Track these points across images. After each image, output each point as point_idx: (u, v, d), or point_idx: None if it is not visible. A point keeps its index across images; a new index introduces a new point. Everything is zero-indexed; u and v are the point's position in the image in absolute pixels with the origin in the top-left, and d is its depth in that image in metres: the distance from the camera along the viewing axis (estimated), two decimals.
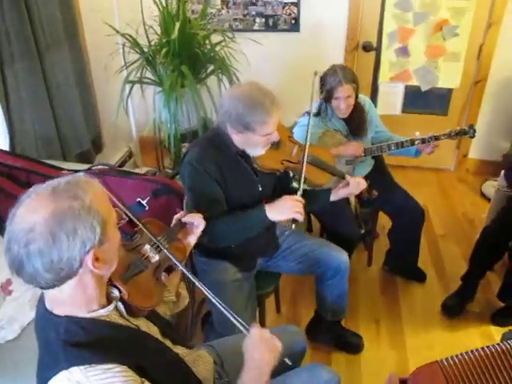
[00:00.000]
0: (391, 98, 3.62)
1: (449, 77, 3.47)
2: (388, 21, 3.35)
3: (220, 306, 1.36)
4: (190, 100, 2.97)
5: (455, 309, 2.61)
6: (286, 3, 3.40)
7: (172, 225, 1.60)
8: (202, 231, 1.63)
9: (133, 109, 3.39)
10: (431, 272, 2.88)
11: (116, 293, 1.19)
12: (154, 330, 1.31)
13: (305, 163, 1.96)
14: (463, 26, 3.30)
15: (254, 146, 1.82)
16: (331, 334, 2.39)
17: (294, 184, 2.20)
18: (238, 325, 1.33)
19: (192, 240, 1.61)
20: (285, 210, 1.82)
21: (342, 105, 2.38)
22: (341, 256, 2.14)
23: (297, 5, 3.40)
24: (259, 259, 2.13)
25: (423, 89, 3.55)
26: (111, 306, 1.14)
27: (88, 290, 1.07)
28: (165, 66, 2.93)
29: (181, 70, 2.87)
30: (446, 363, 1.26)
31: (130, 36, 2.95)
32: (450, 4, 3.25)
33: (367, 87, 3.64)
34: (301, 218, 1.81)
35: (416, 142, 2.50)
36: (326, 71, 2.42)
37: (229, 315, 1.34)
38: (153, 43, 3.00)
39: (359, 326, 2.54)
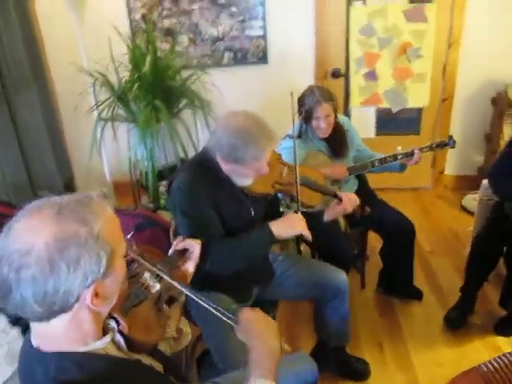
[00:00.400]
0: (364, 122, 3.67)
1: (417, 97, 3.57)
2: (354, 47, 3.45)
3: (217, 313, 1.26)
4: (165, 135, 2.91)
5: (457, 321, 2.54)
6: (253, 37, 3.44)
7: (170, 253, 1.53)
8: (202, 257, 1.54)
9: (105, 149, 3.29)
10: (426, 289, 2.81)
11: (113, 324, 1.05)
12: (157, 366, 1.17)
13: (298, 185, 1.91)
14: (425, 47, 3.42)
15: (243, 177, 1.76)
16: (336, 361, 2.26)
17: (282, 208, 2.15)
18: (227, 319, 1.25)
19: (190, 267, 1.53)
20: (293, 224, 1.76)
21: (322, 124, 2.37)
22: (339, 276, 2.05)
23: (264, 38, 3.45)
24: (255, 288, 2.02)
25: (394, 110, 3.62)
26: (107, 338, 1.00)
27: (83, 326, 0.93)
28: (138, 101, 2.88)
29: (154, 105, 2.82)
30: (485, 368, 1.18)
31: (100, 73, 2.90)
32: (410, 27, 3.37)
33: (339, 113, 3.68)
34: (309, 234, 1.76)
35: (399, 157, 2.50)
36: (303, 92, 2.42)
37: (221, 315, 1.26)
38: (123, 80, 2.96)
39: (363, 351, 2.42)
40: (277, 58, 3.53)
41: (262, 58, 3.51)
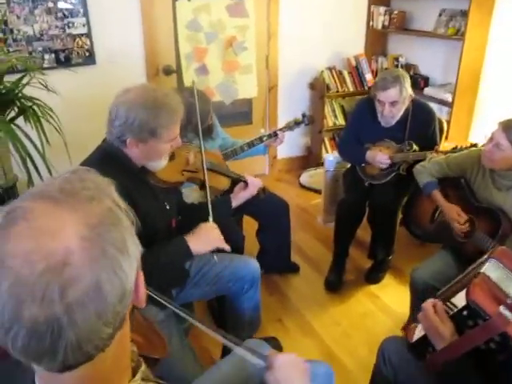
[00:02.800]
0: None
1: (246, 88, 3.75)
2: (183, 43, 3.43)
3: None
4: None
5: (336, 282, 2.79)
6: (76, 35, 3.13)
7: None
8: None
9: None
10: (299, 261, 3.01)
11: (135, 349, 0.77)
12: None
13: (205, 169, 1.85)
14: (249, 41, 3.62)
15: (158, 156, 1.63)
16: None
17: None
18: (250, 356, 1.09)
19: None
20: (209, 240, 1.69)
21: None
22: (253, 264, 2.07)
23: (88, 36, 3.16)
24: (173, 290, 1.88)
25: (227, 102, 3.74)
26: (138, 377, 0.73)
27: (127, 345, 0.70)
28: None
29: None
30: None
31: None
32: (233, 22, 3.53)
33: None
34: (226, 246, 1.72)
35: (264, 139, 2.62)
36: None
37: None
38: None
39: (267, 331, 2.46)
40: (105, 58, 3.28)
41: (89, 59, 3.22)
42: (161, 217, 1.72)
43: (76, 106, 3.16)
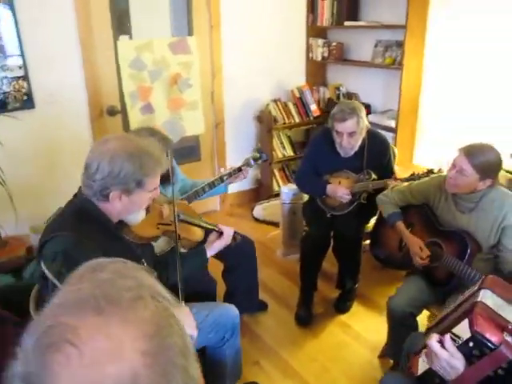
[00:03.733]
0: None
1: (193, 125, 3.69)
2: (126, 82, 3.32)
3: None
4: None
5: (307, 316, 2.76)
6: (12, 78, 2.93)
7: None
8: None
9: None
10: (266, 298, 2.95)
11: None
12: None
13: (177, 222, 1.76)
14: (194, 78, 3.58)
15: (139, 207, 1.56)
16: None
17: None
18: None
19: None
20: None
21: None
22: (233, 311, 2.01)
23: (26, 79, 2.98)
24: None
25: (174, 140, 3.63)
26: None
27: None
28: None
29: None
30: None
31: None
32: (177, 59, 3.48)
33: None
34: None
35: (225, 178, 2.56)
36: None
37: None
38: None
39: (246, 376, 2.37)
40: (44, 101, 3.09)
41: (27, 102, 3.03)
42: None
43: (18, 153, 2.95)
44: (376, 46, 3.73)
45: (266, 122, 3.91)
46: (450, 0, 3.25)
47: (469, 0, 3.15)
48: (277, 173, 4.12)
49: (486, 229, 2.02)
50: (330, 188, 2.67)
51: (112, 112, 3.41)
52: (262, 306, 2.86)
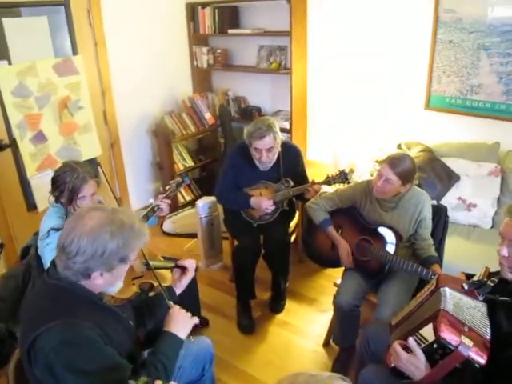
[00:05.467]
0: (45, 190, 3.31)
1: (89, 148, 3.51)
2: (12, 112, 3.03)
3: None
4: None
5: (249, 324, 2.88)
6: None
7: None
8: None
9: None
10: (202, 312, 2.98)
11: None
12: None
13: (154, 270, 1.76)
14: (83, 98, 3.39)
15: (120, 278, 1.50)
16: None
17: None
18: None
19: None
20: (186, 323, 1.65)
21: (89, 202, 2.16)
22: (207, 341, 2.03)
23: None
24: None
25: None
26: None
27: None
28: None
29: None
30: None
31: None
32: (64, 81, 3.26)
33: (17, 186, 3.20)
34: (197, 320, 1.70)
35: (155, 209, 2.53)
36: (56, 171, 2.12)
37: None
38: None
39: None
40: None
41: None
42: (130, 338, 1.58)
43: None
44: (259, 50, 3.91)
45: (162, 136, 3.86)
46: (322, 5, 3.56)
47: (339, 4, 3.49)
48: None
49: (406, 222, 2.35)
50: (253, 201, 2.80)
51: (1, 147, 3.06)
52: (203, 323, 2.91)
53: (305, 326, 2.90)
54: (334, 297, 2.43)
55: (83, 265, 1.34)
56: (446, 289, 1.63)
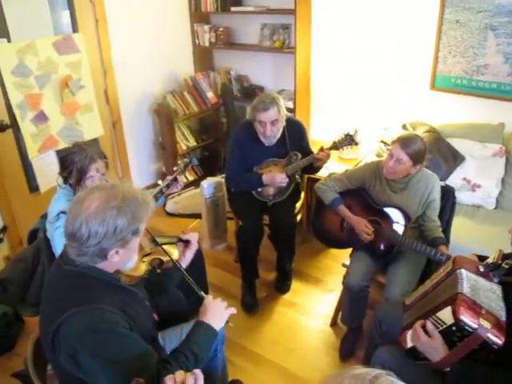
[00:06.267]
0: (47, 169, 3.28)
1: (91, 128, 3.46)
2: (12, 92, 2.96)
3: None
4: None
5: (253, 303, 2.92)
6: None
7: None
8: None
9: None
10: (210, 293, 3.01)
11: None
12: None
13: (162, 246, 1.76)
14: (85, 77, 3.33)
15: (134, 252, 1.48)
16: None
17: None
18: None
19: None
20: (222, 314, 1.59)
21: (98, 181, 2.14)
22: None
23: None
24: None
25: None
26: None
27: None
28: None
29: None
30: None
31: None
32: (65, 60, 3.19)
33: (18, 168, 3.16)
34: (234, 309, 1.65)
35: (164, 190, 2.52)
36: (65, 151, 2.10)
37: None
38: None
39: None
40: None
41: None
42: (150, 319, 1.58)
43: None
44: (262, 29, 3.85)
45: (164, 115, 3.81)
46: None
47: None
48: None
49: (415, 203, 2.36)
50: (266, 178, 2.78)
51: (1, 128, 3.00)
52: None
53: (311, 306, 2.94)
54: (344, 277, 2.46)
55: (97, 246, 1.32)
56: (463, 271, 1.64)
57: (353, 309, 2.51)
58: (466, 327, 1.44)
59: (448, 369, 1.51)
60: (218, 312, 1.57)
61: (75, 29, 3.28)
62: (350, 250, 2.67)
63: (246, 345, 2.65)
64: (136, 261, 1.54)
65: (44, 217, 2.38)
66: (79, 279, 1.39)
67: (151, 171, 4.11)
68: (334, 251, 3.35)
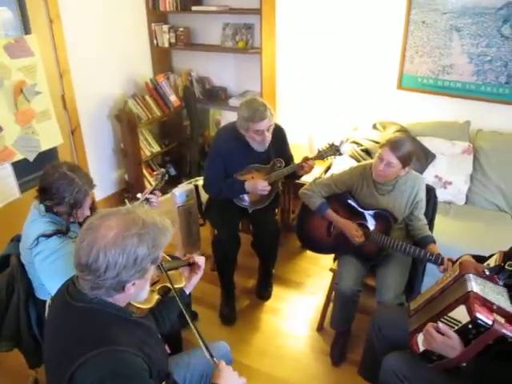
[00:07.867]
0: (3, 184, 3.01)
1: (49, 136, 3.21)
2: None
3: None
4: None
5: (230, 315, 2.84)
6: None
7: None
8: None
9: None
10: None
11: None
12: None
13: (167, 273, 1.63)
14: (40, 83, 3.08)
15: (148, 281, 1.36)
16: None
17: None
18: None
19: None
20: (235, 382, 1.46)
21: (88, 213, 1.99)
22: (225, 346, 1.93)
23: None
24: None
25: (31, 159, 3.13)
26: None
27: None
28: None
29: None
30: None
31: None
32: (17, 64, 2.92)
33: None
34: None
35: (144, 203, 2.38)
36: (47, 178, 1.88)
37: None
38: None
39: None
40: None
41: None
42: (162, 352, 1.48)
43: None
44: (224, 29, 3.74)
45: (126, 121, 3.60)
46: None
47: None
48: (145, 172, 3.87)
49: (402, 205, 2.37)
50: (248, 185, 2.69)
51: None
52: (195, 317, 2.82)
53: (295, 311, 2.90)
54: (335, 283, 2.43)
55: (116, 279, 1.21)
56: (471, 275, 1.67)
57: (344, 314, 2.50)
58: (483, 324, 1.46)
59: (464, 364, 1.53)
60: (231, 381, 1.44)
61: (27, 30, 3.02)
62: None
63: (234, 357, 2.56)
64: (148, 290, 1.42)
65: (14, 241, 2.18)
66: (92, 317, 1.26)
67: (113, 179, 3.90)
68: (311, 254, 3.33)
